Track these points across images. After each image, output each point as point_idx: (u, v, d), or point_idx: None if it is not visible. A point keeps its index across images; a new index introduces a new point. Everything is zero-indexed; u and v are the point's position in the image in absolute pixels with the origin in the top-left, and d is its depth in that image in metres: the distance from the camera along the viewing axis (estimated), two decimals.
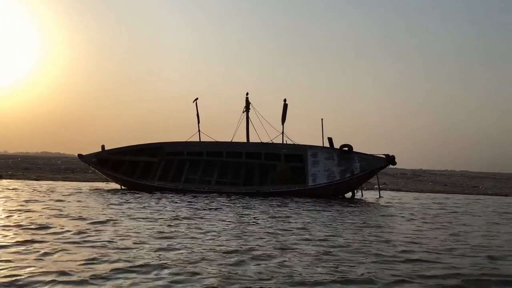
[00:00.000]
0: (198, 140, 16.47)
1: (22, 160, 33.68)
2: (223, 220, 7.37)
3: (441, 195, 18.22)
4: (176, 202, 10.64)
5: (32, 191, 12.05)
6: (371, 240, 5.84)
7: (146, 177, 15.68)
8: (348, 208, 10.64)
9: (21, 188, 13.25)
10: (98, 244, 4.85)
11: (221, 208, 9.56)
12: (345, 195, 15.11)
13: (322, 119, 15.69)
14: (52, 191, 12.41)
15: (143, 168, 15.99)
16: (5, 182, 16.04)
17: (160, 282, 3.46)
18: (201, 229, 6.25)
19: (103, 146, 16.06)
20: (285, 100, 16.20)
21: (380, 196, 15.69)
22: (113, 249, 4.61)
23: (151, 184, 15.15)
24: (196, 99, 16.65)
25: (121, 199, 11.03)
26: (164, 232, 5.80)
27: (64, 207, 8.47)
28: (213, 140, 16.47)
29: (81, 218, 6.88)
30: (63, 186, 15.17)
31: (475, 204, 14.07)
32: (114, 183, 16.46)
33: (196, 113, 16.52)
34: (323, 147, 15.50)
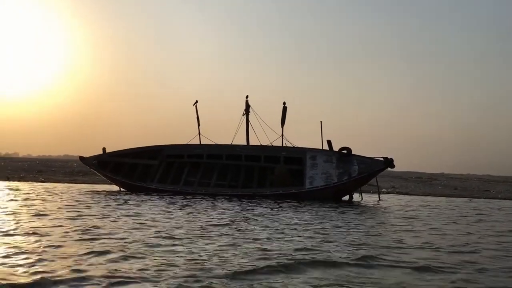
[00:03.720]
0: (199, 143, 16.62)
1: (40, 163, 34.47)
2: None
3: (441, 199, 18.01)
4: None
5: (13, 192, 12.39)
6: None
7: (145, 179, 15.89)
8: (324, 208, 10.60)
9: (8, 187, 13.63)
10: None
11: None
12: (343, 198, 15.03)
13: (321, 121, 15.66)
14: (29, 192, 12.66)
15: (142, 170, 16.19)
16: (5, 183, 16.61)
17: None
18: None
19: (104, 149, 16.34)
20: (284, 103, 16.23)
21: (379, 199, 15.52)
22: None
23: (149, 186, 15.36)
24: (196, 102, 16.83)
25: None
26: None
27: None
28: (213, 143, 16.60)
29: None
30: (54, 188, 15.43)
31: (457, 207, 13.89)
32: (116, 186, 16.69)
33: (196, 116, 16.69)
34: (322, 150, 15.46)
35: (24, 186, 15.60)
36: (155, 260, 4.16)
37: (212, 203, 11.44)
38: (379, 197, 15.95)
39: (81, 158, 16.39)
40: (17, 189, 13.49)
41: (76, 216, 7.34)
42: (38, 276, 3.43)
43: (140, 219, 7.29)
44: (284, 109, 16.20)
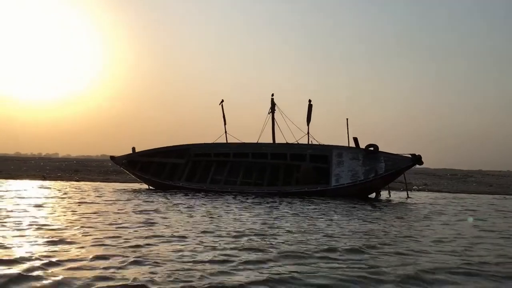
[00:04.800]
0: (225, 141, 16.81)
1: (77, 162, 35.59)
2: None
3: (472, 195, 17.59)
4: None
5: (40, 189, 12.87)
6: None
7: (172, 177, 16.20)
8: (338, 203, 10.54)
9: (37, 186, 14.17)
10: None
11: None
12: (369, 195, 14.88)
13: (347, 119, 15.54)
14: (57, 190, 13.17)
15: (170, 169, 16.53)
16: (38, 182, 17.30)
17: None
18: None
19: (133, 148, 16.77)
20: (310, 101, 16.21)
21: (407, 197, 15.28)
22: None
23: (176, 184, 15.65)
24: (222, 101, 17.02)
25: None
26: None
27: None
28: (239, 141, 16.75)
29: None
30: (81, 186, 15.94)
31: (484, 204, 13.48)
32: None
33: (222, 115, 16.88)
34: (349, 147, 15.35)
35: (56, 184, 16.21)
36: (151, 251, 4.31)
37: (227, 200, 11.58)
38: (407, 194, 15.71)
39: (112, 157, 16.86)
40: (47, 187, 14.04)
41: (92, 212, 7.60)
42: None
43: (152, 216, 7.49)
44: (310, 106, 16.17)
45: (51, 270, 3.57)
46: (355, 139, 15.26)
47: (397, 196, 15.60)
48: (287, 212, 8.94)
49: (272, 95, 16.59)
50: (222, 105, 16.98)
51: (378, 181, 14.55)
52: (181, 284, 3.28)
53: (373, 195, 14.97)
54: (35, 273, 3.45)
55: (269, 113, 16.54)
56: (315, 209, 9.79)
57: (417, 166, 14.88)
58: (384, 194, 15.39)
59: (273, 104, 16.53)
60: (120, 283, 3.26)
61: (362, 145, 15.13)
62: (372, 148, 14.91)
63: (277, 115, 16.49)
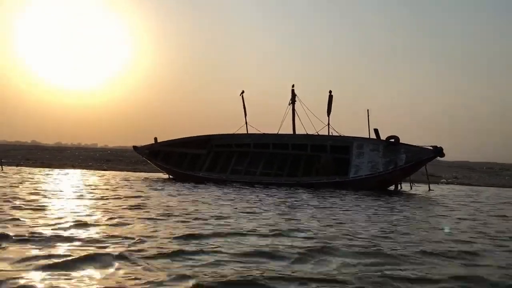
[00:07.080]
0: (246, 132, 16.86)
1: (111, 152, 36.59)
2: None
3: (498, 189, 17.05)
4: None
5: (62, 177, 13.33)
6: None
7: (193, 168, 16.41)
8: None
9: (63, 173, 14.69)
10: None
11: None
12: (389, 187, 14.66)
13: (368, 110, 15.33)
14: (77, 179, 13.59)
15: (191, 160, 16.73)
16: (67, 171, 17.93)
17: None
18: None
19: (155, 139, 17.06)
20: (330, 92, 16.06)
21: (429, 190, 14.97)
22: None
23: (197, 174, 15.86)
24: (243, 92, 17.07)
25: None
26: None
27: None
28: (260, 132, 16.76)
29: None
30: (105, 175, 16.37)
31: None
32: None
33: (243, 105, 16.93)
34: (369, 139, 15.15)
35: (79, 173, 16.75)
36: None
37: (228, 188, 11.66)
38: (428, 187, 15.38)
39: (135, 147, 17.22)
40: (67, 175, 14.57)
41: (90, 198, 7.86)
42: None
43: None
44: (330, 97, 16.01)
45: None
46: (376, 131, 15.04)
47: (419, 189, 15.29)
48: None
49: (293, 86, 16.53)
50: (242, 96, 17.04)
51: (398, 173, 14.31)
52: None
53: (392, 187, 14.74)
54: None
55: (289, 104, 16.48)
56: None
57: (443, 158, 14.60)
58: (407, 187, 15.11)
59: (293, 95, 16.46)
60: None
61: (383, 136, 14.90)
62: (392, 140, 14.67)
63: (297, 106, 16.43)
